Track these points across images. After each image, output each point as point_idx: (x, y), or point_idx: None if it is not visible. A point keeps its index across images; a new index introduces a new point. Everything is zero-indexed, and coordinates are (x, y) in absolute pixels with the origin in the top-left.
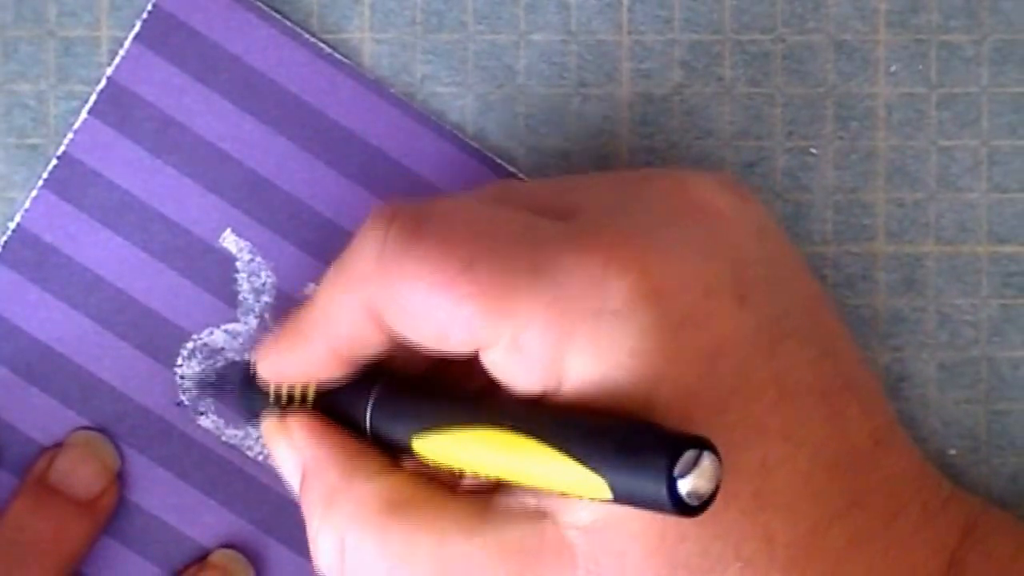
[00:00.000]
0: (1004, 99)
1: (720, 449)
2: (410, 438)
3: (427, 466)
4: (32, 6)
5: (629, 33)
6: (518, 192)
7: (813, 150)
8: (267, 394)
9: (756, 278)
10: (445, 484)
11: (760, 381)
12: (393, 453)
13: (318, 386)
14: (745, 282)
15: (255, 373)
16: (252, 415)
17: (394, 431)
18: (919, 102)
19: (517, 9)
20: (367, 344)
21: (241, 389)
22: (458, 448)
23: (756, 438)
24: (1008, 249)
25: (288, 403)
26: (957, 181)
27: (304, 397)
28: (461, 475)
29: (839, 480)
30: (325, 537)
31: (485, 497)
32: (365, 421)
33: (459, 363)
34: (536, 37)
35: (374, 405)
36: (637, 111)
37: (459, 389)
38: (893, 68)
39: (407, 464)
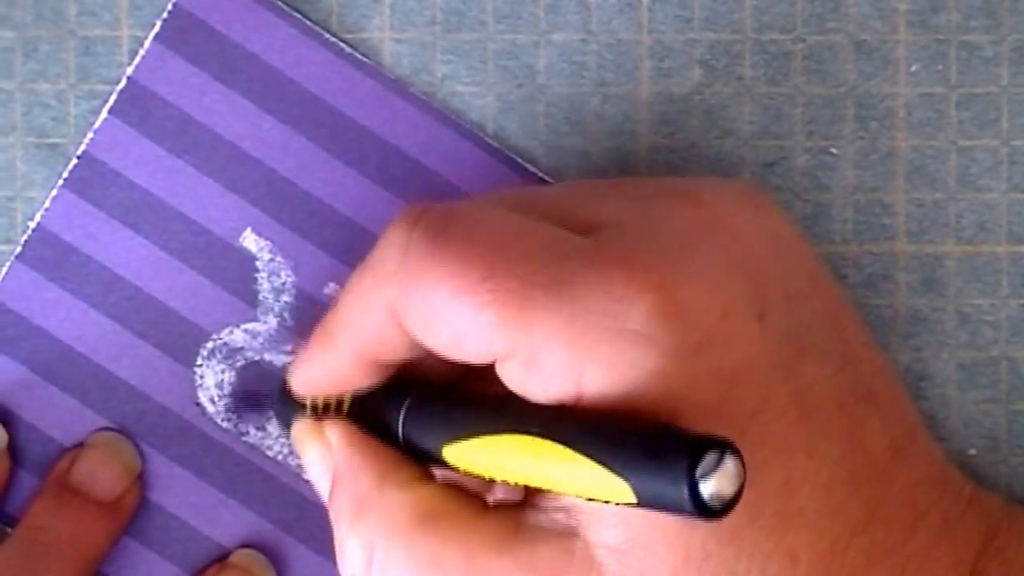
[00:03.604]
0: None
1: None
2: (440, 447)
3: (458, 477)
4: (52, 6)
5: (649, 32)
6: (541, 200)
7: (833, 150)
8: (303, 406)
9: (775, 295)
10: (476, 498)
11: (781, 400)
12: (424, 464)
13: (352, 396)
14: (764, 300)
15: (290, 387)
16: (289, 428)
17: (425, 440)
18: (939, 102)
19: (537, 9)
20: (391, 347)
21: (278, 403)
22: (486, 455)
23: (778, 457)
24: None
25: (324, 413)
26: (977, 181)
27: (339, 407)
28: (491, 483)
29: (858, 494)
30: (353, 544)
31: (516, 514)
32: (397, 429)
33: (486, 373)
34: (556, 37)
35: (406, 414)
36: (657, 110)
37: (486, 397)
38: (913, 68)
39: (438, 475)
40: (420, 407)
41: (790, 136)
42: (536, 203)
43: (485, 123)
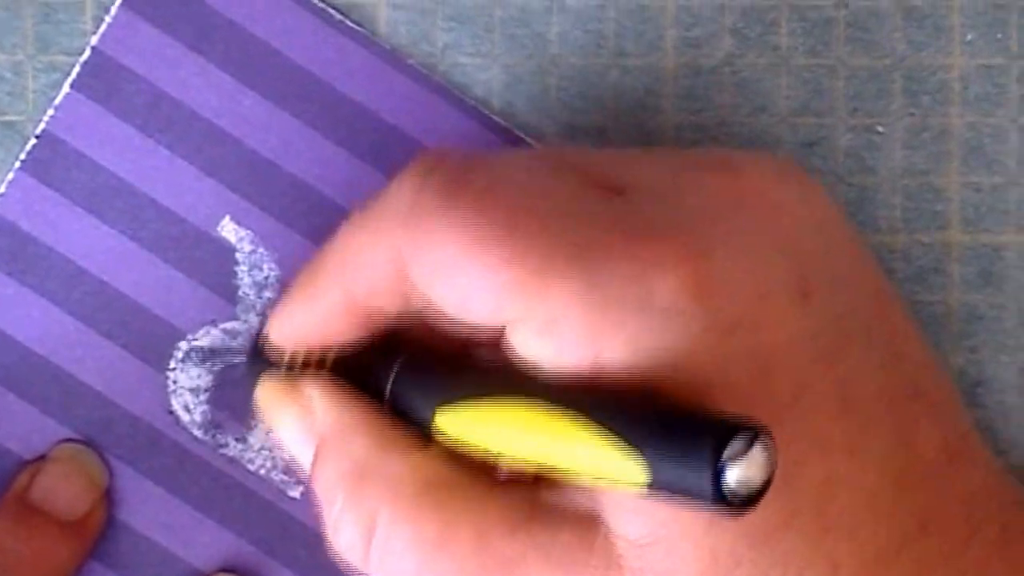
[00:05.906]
0: None
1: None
2: (434, 412)
3: (454, 447)
4: None
5: None
6: (570, 157)
7: (880, 128)
8: (277, 365)
9: (817, 276)
10: (485, 470)
11: (821, 391)
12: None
13: (336, 353)
14: (805, 281)
15: (265, 342)
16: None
17: (417, 404)
18: (998, 75)
19: None
20: (386, 299)
21: (250, 359)
22: (486, 425)
23: (818, 453)
24: None
25: (302, 372)
26: None
27: (320, 366)
28: (488, 459)
29: (908, 500)
30: (350, 517)
31: (530, 491)
32: (385, 392)
33: (484, 346)
34: (570, 1)
35: (397, 374)
36: (683, 84)
37: (488, 362)
38: (969, 37)
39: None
40: (413, 367)
41: (832, 113)
42: (564, 159)
43: (491, 98)
